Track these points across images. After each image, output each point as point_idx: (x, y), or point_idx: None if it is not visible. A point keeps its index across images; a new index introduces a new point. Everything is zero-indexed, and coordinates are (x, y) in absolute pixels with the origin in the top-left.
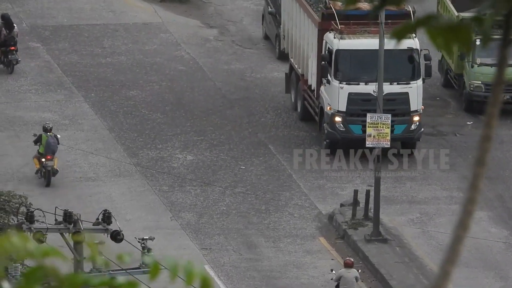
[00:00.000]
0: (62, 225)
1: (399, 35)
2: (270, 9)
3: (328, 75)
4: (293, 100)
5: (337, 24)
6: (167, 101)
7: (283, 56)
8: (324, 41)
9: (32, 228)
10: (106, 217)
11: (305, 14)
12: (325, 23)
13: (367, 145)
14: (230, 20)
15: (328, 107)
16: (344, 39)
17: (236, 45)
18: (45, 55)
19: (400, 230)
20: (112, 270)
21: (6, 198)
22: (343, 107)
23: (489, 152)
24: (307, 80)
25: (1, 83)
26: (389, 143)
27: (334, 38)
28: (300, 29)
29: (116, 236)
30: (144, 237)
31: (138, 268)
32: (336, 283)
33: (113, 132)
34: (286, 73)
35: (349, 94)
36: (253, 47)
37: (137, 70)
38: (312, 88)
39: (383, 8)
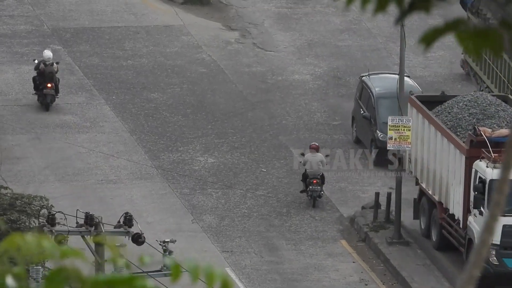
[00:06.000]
0: (83, 227)
1: (428, 41)
2: (363, 112)
3: (481, 206)
4: (423, 227)
5: (489, 152)
6: (188, 104)
7: (377, 163)
8: (473, 170)
9: (53, 230)
10: (128, 220)
11: (444, 139)
12: (474, 151)
13: (388, 148)
14: (251, 23)
15: None
16: (498, 168)
17: (257, 48)
18: (66, 57)
19: (421, 233)
20: (133, 273)
21: (27, 200)
22: (497, 240)
23: None
24: (446, 208)
25: (22, 84)
26: (410, 146)
27: (487, 167)
28: (436, 154)
29: (138, 239)
30: (166, 240)
31: (160, 270)
32: (304, 167)
33: (134, 135)
34: (414, 199)
35: (504, 226)
36: (274, 50)
37: (158, 72)
38: (456, 218)
39: (410, 14)
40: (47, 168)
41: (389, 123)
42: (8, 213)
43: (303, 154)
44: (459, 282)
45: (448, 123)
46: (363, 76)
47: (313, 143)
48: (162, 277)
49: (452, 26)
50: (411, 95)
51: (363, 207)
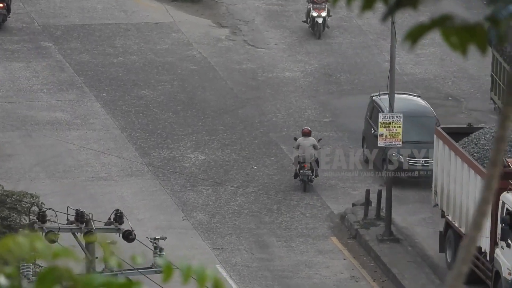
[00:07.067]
0: (74, 224)
1: (414, 37)
2: (374, 131)
3: (508, 238)
4: (449, 260)
5: None
6: (179, 101)
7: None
8: (501, 202)
9: (44, 227)
10: (118, 217)
11: (471, 171)
12: (501, 183)
13: (379, 145)
14: (242, 20)
15: (508, 273)
16: None
17: (248, 45)
18: (57, 54)
19: (412, 230)
20: (124, 270)
21: (18, 197)
22: None
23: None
24: None
25: (13, 82)
26: (401, 143)
27: None
28: (463, 186)
29: (128, 236)
30: (156, 237)
31: (150, 268)
32: (297, 151)
33: (124, 132)
34: (440, 231)
35: None
36: (264, 47)
37: (149, 69)
38: (483, 250)
39: (397, 11)
40: (38, 165)
41: (380, 120)
42: None
43: (295, 139)
44: (448, 279)
45: (475, 154)
46: (373, 96)
47: (305, 127)
48: (152, 274)
49: (438, 22)
50: (437, 126)
51: (353, 204)
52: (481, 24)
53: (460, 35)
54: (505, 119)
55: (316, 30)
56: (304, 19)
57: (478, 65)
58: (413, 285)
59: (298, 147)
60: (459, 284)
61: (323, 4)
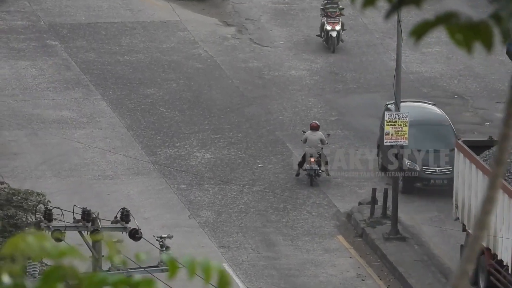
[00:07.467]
0: (80, 223)
1: (419, 33)
2: None
3: None
4: (470, 274)
5: None
6: (185, 99)
7: (404, 190)
8: None
9: (50, 226)
10: (124, 215)
11: None
12: None
13: (385, 143)
14: (248, 18)
15: None
16: None
17: (254, 43)
18: (63, 53)
19: (418, 228)
20: (131, 268)
21: (24, 196)
22: None
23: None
24: (494, 254)
25: (19, 80)
26: (407, 141)
27: None
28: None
29: (135, 234)
30: (163, 235)
31: (157, 266)
32: (304, 144)
33: (131, 130)
34: (461, 245)
35: None
36: (270, 45)
37: (155, 68)
38: (505, 264)
39: (400, 9)
40: (44, 163)
41: (386, 118)
42: (4, 208)
43: (304, 132)
44: (452, 277)
45: None
46: (388, 104)
47: (313, 121)
48: (159, 272)
49: (443, 19)
50: (458, 140)
51: (360, 203)
52: (486, 22)
53: (465, 32)
54: (509, 117)
55: (330, 44)
56: (318, 33)
57: (485, 63)
58: (419, 284)
59: (305, 141)
60: (463, 283)
61: (337, 18)
